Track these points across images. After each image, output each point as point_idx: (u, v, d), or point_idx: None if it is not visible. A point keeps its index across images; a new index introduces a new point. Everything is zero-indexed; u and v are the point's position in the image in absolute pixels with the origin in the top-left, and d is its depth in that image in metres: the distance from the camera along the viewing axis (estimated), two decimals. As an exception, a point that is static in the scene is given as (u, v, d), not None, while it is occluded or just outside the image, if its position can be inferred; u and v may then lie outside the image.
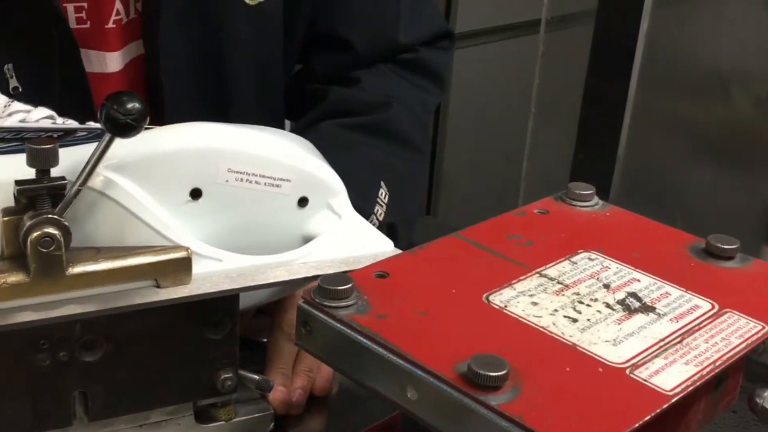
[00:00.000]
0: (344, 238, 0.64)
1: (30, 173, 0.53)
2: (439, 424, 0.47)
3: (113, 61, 0.84)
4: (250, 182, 0.60)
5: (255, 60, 0.90)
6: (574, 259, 0.59)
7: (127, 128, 0.52)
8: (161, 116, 0.85)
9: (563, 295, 0.54)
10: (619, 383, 0.47)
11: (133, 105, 0.52)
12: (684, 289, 0.56)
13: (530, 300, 0.54)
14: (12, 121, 0.60)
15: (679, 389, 0.47)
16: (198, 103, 0.89)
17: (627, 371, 0.48)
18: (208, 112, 0.89)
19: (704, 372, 0.48)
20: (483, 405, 0.45)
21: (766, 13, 1.96)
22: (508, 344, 0.49)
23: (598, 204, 0.67)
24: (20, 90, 0.77)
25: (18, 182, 0.52)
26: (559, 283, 0.56)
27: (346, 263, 0.62)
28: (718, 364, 0.49)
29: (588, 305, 0.54)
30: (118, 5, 0.83)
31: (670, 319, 0.53)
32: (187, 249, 0.56)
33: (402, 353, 0.48)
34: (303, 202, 0.63)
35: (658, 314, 0.53)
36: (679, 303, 0.54)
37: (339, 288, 0.52)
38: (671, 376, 0.48)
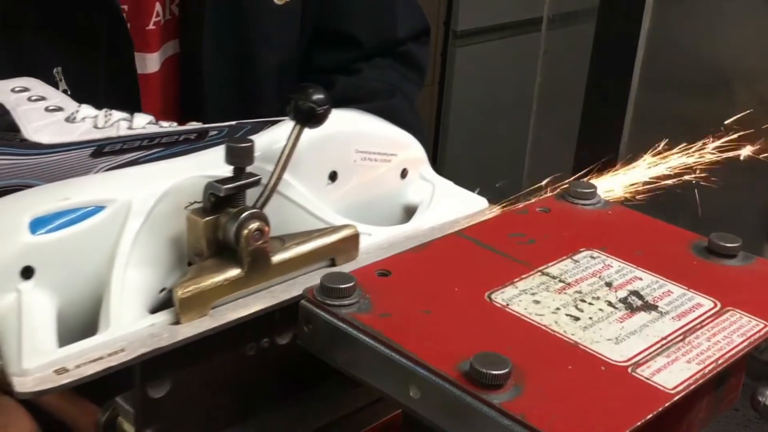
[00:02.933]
0: (448, 202, 0.68)
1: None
2: (441, 423, 0.47)
3: (152, 62, 0.86)
4: (371, 160, 0.65)
5: (280, 58, 0.93)
6: (576, 257, 0.59)
7: (316, 118, 0.55)
8: (201, 113, 0.86)
9: (565, 293, 0.54)
10: (621, 382, 0.47)
11: (319, 96, 0.55)
12: (686, 288, 0.56)
13: (532, 298, 0.54)
14: (121, 130, 0.62)
15: (681, 388, 0.47)
16: (234, 99, 0.91)
17: (629, 370, 0.48)
18: (244, 108, 0.91)
19: (706, 370, 0.48)
20: (485, 403, 0.45)
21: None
22: (511, 343, 0.49)
23: (600, 202, 0.67)
24: (69, 93, 0.77)
25: (219, 181, 0.54)
26: (561, 281, 0.56)
27: (458, 223, 0.66)
28: (720, 362, 0.49)
29: (590, 303, 0.54)
30: (158, 7, 0.85)
31: (672, 318, 0.53)
32: (353, 227, 0.60)
33: (404, 352, 0.48)
34: (404, 173, 0.68)
35: (660, 312, 0.53)
36: (681, 301, 0.54)
37: (341, 286, 0.52)
38: (673, 375, 0.48)
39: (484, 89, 2.73)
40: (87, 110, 0.64)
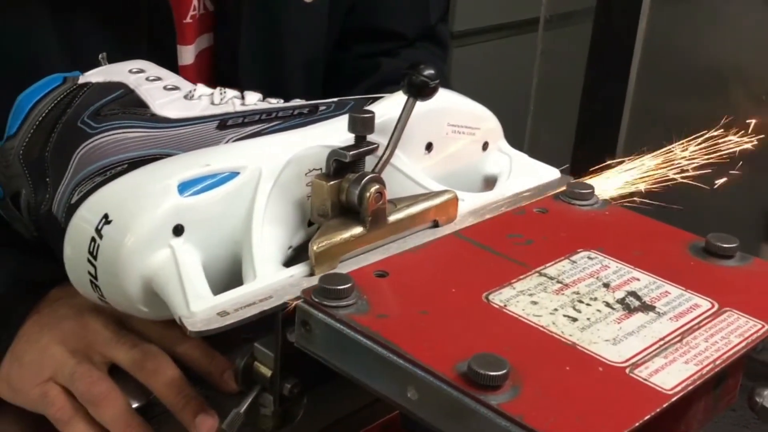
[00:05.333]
0: (525, 172, 0.73)
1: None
2: (439, 424, 0.47)
3: (188, 54, 0.87)
4: (460, 133, 0.70)
5: (307, 55, 0.96)
6: (574, 258, 0.59)
7: (428, 91, 0.60)
8: None
9: (563, 294, 0.54)
10: (619, 382, 0.47)
11: (430, 71, 0.60)
12: (684, 288, 0.56)
13: (530, 299, 0.54)
14: (236, 106, 0.68)
15: (679, 388, 0.47)
16: (265, 94, 0.94)
17: (627, 370, 0.48)
18: None
19: (704, 371, 0.48)
20: (483, 404, 0.45)
21: (765, 12, 1.96)
22: (508, 344, 0.49)
23: (597, 203, 0.67)
24: None
25: (344, 149, 0.59)
26: (558, 282, 0.56)
27: (538, 190, 0.70)
28: (717, 363, 0.49)
29: (588, 304, 0.54)
30: (195, 1, 0.86)
31: (670, 318, 0.53)
32: (453, 192, 0.65)
33: (402, 353, 0.48)
34: (485, 146, 0.73)
35: (658, 313, 0.53)
36: (679, 302, 0.54)
37: (338, 287, 0.52)
38: (671, 376, 0.48)
39: (481, 89, 2.71)
40: (202, 89, 0.70)
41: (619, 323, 0.52)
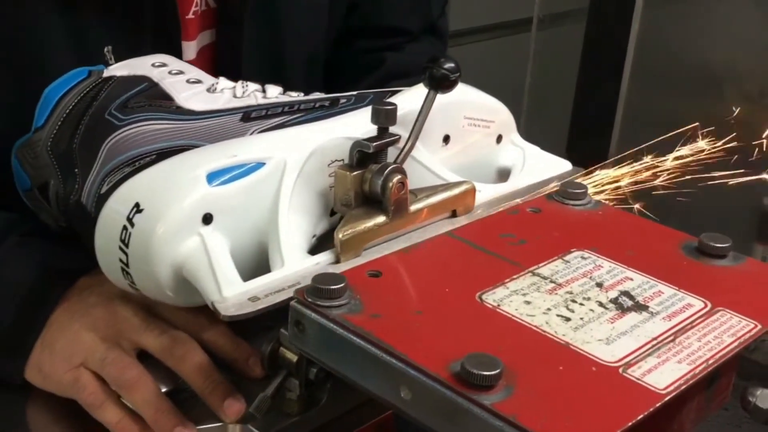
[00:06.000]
0: (538, 164, 0.74)
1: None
2: (432, 424, 0.47)
3: (190, 50, 0.88)
4: (476, 126, 0.72)
5: (306, 51, 0.97)
6: (567, 257, 0.58)
7: (449, 84, 0.62)
8: None
9: (556, 294, 0.54)
10: (612, 382, 0.47)
11: (451, 65, 0.61)
12: (676, 288, 0.56)
13: (523, 299, 0.54)
14: (258, 99, 0.70)
15: (672, 388, 0.47)
16: None
17: (620, 370, 0.48)
18: None
19: (697, 371, 0.48)
20: (476, 404, 0.45)
21: (758, 12, 1.97)
22: (502, 343, 0.49)
23: (590, 203, 0.67)
24: None
25: (367, 140, 0.60)
26: (552, 281, 0.56)
27: (551, 181, 0.72)
28: (710, 362, 0.49)
29: (581, 304, 0.54)
30: None
31: (663, 318, 0.53)
32: (471, 183, 0.66)
33: (395, 353, 0.48)
34: (499, 139, 0.75)
35: (651, 313, 0.53)
36: (672, 301, 0.54)
37: (331, 287, 0.52)
38: (664, 375, 0.48)
39: (475, 89, 2.72)
40: (225, 82, 0.71)
41: (612, 323, 0.52)
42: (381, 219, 0.60)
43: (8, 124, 0.72)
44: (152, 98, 0.69)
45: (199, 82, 0.72)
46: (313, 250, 0.62)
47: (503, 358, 0.46)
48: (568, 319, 0.52)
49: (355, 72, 1.03)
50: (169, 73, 0.72)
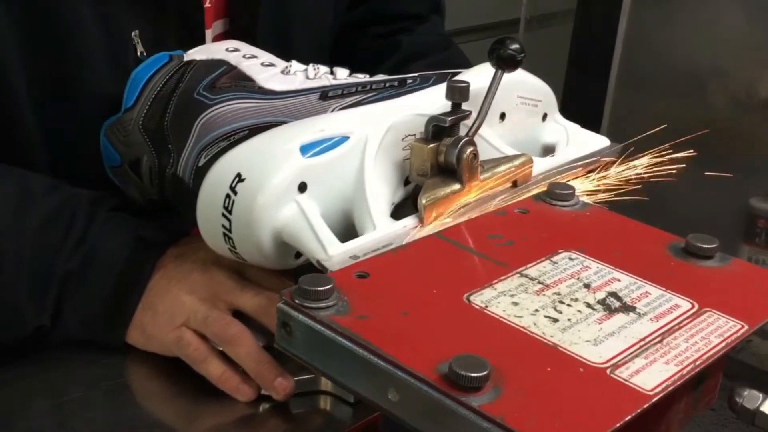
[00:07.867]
0: (581, 141, 0.79)
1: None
2: (420, 426, 0.47)
3: (206, 38, 0.90)
4: (527, 104, 0.77)
5: (314, 42, 1.00)
6: (555, 258, 0.59)
7: (515, 64, 0.67)
8: None
9: (544, 295, 0.54)
10: (599, 383, 0.47)
11: (516, 45, 0.66)
12: (664, 289, 0.56)
13: (511, 300, 0.54)
14: (329, 80, 0.75)
15: (659, 389, 0.47)
16: None
17: (608, 371, 0.48)
18: None
19: (684, 371, 0.49)
20: (464, 406, 0.44)
21: (743, 14, 1.98)
22: (490, 345, 0.49)
23: (578, 204, 0.67)
24: (145, 55, 0.82)
25: (443, 114, 0.65)
26: (539, 283, 0.56)
27: (593, 156, 0.76)
28: (698, 363, 0.49)
29: (569, 305, 0.54)
30: None
31: (650, 319, 0.53)
32: (528, 156, 0.71)
33: (383, 354, 0.48)
34: (544, 117, 0.80)
35: (639, 314, 0.53)
36: (659, 302, 0.55)
37: (319, 289, 0.52)
38: (652, 376, 0.48)
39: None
40: (296, 65, 0.77)
41: (599, 324, 0.52)
42: (456, 186, 0.65)
43: (45, 99, 0.77)
44: (236, 79, 0.75)
45: (272, 65, 0.77)
46: (392, 216, 0.67)
47: (491, 359, 0.46)
48: (555, 320, 0.52)
49: (370, 57, 1.05)
50: (244, 57, 0.78)
